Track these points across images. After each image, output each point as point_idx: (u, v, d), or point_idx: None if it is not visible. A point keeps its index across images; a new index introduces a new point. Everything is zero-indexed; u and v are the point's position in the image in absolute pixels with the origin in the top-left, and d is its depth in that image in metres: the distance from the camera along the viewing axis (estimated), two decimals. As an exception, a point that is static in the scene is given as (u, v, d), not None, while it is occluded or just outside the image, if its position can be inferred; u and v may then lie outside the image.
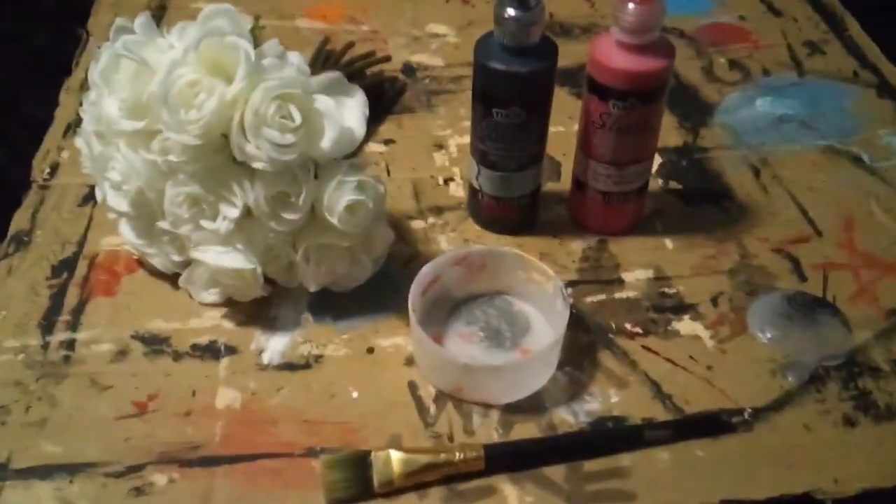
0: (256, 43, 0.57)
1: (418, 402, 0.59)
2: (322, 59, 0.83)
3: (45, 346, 0.61)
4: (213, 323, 0.63)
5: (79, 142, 0.63)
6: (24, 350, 0.61)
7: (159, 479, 0.54)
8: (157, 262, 0.64)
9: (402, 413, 0.58)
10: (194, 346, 0.62)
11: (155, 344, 0.62)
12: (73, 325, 0.62)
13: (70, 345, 0.61)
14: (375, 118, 0.76)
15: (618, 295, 0.66)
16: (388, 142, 0.79)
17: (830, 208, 0.73)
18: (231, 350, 0.61)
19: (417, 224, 0.71)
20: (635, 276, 0.67)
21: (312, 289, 0.62)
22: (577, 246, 0.70)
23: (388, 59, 0.86)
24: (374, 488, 0.53)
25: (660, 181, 0.75)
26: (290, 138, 0.55)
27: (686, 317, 0.64)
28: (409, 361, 0.61)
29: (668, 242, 0.70)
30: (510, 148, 0.65)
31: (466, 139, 0.69)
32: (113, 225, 0.66)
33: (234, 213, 0.57)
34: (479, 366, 0.59)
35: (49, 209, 0.71)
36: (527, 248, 0.68)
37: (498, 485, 0.54)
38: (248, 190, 0.57)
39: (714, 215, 0.73)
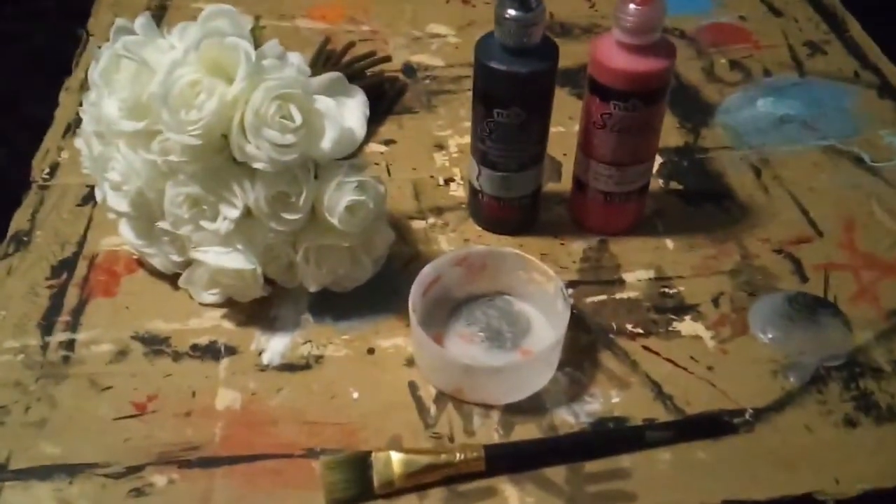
0: (257, 43, 0.57)
1: (419, 402, 0.58)
2: (322, 60, 0.83)
3: (45, 347, 0.61)
4: (212, 323, 0.63)
5: (78, 142, 0.63)
6: (23, 350, 0.61)
7: (159, 479, 0.54)
8: (156, 262, 0.64)
9: (402, 414, 0.58)
10: (194, 347, 0.61)
11: (155, 344, 0.62)
12: (73, 326, 0.62)
13: (69, 345, 0.61)
14: (376, 118, 0.76)
15: (619, 295, 0.66)
16: (388, 142, 0.79)
17: (831, 209, 0.73)
18: (231, 350, 0.61)
19: (418, 224, 0.71)
20: (636, 277, 0.67)
21: (313, 289, 0.62)
22: (577, 246, 0.70)
23: (388, 59, 0.86)
24: (374, 489, 0.53)
25: (661, 181, 0.75)
26: (290, 138, 0.55)
27: (687, 317, 0.64)
28: (410, 362, 0.61)
29: (669, 243, 0.70)
30: (511, 148, 0.65)
31: (467, 139, 0.69)
32: (113, 225, 0.66)
33: (235, 213, 0.57)
34: (480, 366, 0.59)
35: (49, 209, 0.71)
36: (527, 248, 0.68)
37: (498, 486, 0.54)
38: (249, 190, 0.57)
39: (715, 216, 0.73)
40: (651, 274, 0.68)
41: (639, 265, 0.68)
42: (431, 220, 0.72)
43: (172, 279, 0.64)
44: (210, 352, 0.61)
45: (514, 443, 0.56)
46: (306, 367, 0.61)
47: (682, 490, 0.54)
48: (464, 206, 0.72)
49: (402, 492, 0.53)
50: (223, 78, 0.55)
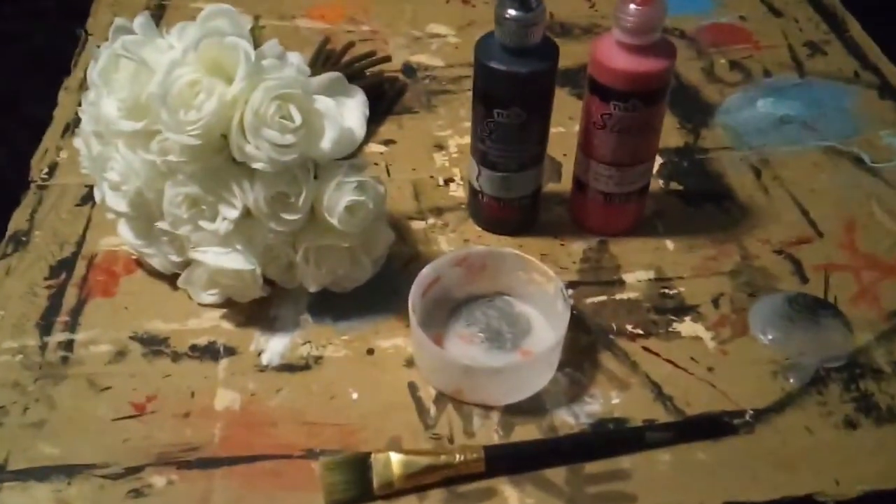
0: (256, 43, 0.56)
1: (418, 403, 0.58)
2: (322, 60, 0.83)
3: (44, 347, 0.61)
4: (212, 324, 0.63)
5: (77, 142, 0.63)
6: (22, 351, 0.61)
7: (158, 480, 0.54)
8: (155, 262, 0.64)
9: (402, 414, 0.58)
10: (193, 347, 0.61)
11: (154, 345, 0.61)
12: (72, 326, 0.62)
13: (68, 345, 0.61)
14: (375, 118, 0.76)
15: (619, 296, 0.66)
16: (388, 142, 0.79)
17: (831, 209, 0.73)
18: (230, 351, 0.61)
19: (417, 225, 0.71)
20: (636, 278, 0.67)
21: (312, 289, 0.62)
22: (577, 247, 0.70)
23: (388, 59, 0.86)
24: (373, 490, 0.53)
25: (661, 182, 0.75)
26: (289, 139, 0.55)
27: (687, 318, 0.64)
28: (410, 363, 0.61)
29: (669, 243, 0.70)
30: (511, 148, 0.65)
31: (467, 140, 0.69)
32: (112, 225, 0.66)
33: (234, 213, 0.57)
34: (480, 367, 0.58)
35: (47, 209, 0.71)
36: (527, 248, 0.67)
37: (498, 487, 0.54)
38: (248, 190, 0.57)
39: (715, 216, 0.73)
40: (651, 275, 0.68)
41: (639, 266, 0.68)
42: (431, 220, 0.72)
43: (171, 279, 0.64)
44: (209, 352, 0.61)
45: (514, 444, 0.56)
46: (306, 367, 0.60)
47: (683, 491, 0.54)
48: (464, 206, 0.72)
49: (402, 493, 0.53)
50: (222, 78, 0.55)
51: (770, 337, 0.63)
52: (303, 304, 0.64)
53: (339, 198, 0.58)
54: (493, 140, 0.64)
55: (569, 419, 0.58)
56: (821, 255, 0.69)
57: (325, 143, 0.57)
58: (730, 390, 0.60)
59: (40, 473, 0.54)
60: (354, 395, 0.59)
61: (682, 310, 0.65)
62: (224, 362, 0.60)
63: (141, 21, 0.58)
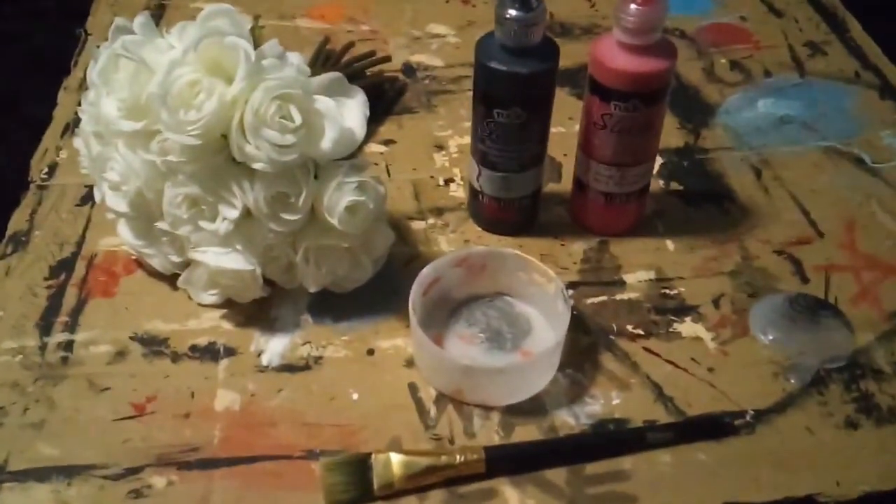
0: (256, 43, 0.56)
1: (418, 404, 0.58)
2: (322, 60, 0.83)
3: (43, 348, 0.61)
4: (212, 324, 0.63)
5: (77, 142, 0.63)
6: (21, 351, 0.60)
7: (157, 481, 0.54)
8: (155, 262, 0.64)
9: (402, 415, 0.58)
10: (193, 348, 0.61)
11: (153, 345, 0.61)
12: (72, 326, 0.62)
13: (68, 346, 0.61)
14: (375, 118, 0.76)
15: (619, 296, 0.66)
16: (388, 142, 0.79)
17: (832, 210, 0.73)
18: (230, 351, 0.61)
19: (418, 225, 0.71)
20: (636, 278, 0.67)
21: (312, 290, 0.62)
22: (578, 247, 0.69)
23: (388, 59, 0.86)
24: (374, 491, 0.53)
25: (661, 182, 0.75)
26: (289, 139, 0.55)
27: (687, 318, 0.64)
28: (410, 363, 0.61)
29: (670, 244, 0.70)
30: (511, 149, 0.65)
31: (467, 140, 0.69)
32: (111, 225, 0.66)
33: (234, 213, 0.57)
34: (480, 368, 0.58)
35: (47, 209, 0.71)
36: (527, 249, 0.67)
37: (499, 487, 0.54)
38: (248, 191, 0.57)
39: (715, 217, 0.73)
40: (651, 275, 0.67)
41: (639, 266, 0.68)
42: (431, 220, 0.71)
43: (171, 280, 0.64)
44: (209, 353, 0.61)
45: (514, 444, 0.56)
46: (306, 368, 0.60)
47: (683, 492, 0.54)
48: (464, 206, 0.72)
49: (402, 493, 0.53)
50: (223, 78, 0.55)
51: (771, 337, 0.63)
52: (303, 304, 0.64)
53: (340, 198, 0.58)
54: (494, 140, 0.64)
55: (569, 420, 0.58)
56: (821, 255, 0.69)
57: (326, 144, 0.57)
58: (730, 391, 0.59)
59: (40, 474, 0.54)
60: (355, 396, 0.59)
61: (683, 310, 0.65)
62: (224, 363, 0.60)
63: (141, 21, 0.58)
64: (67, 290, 0.65)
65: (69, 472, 0.54)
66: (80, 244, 0.68)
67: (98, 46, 0.59)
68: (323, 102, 0.58)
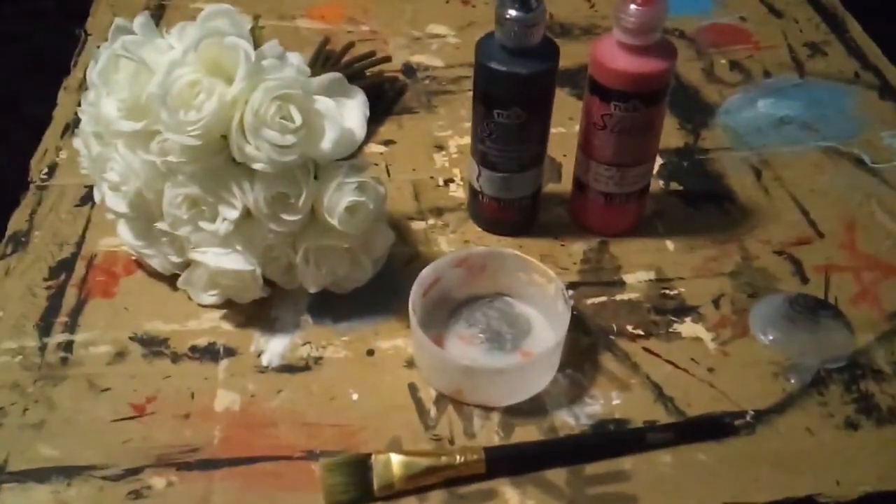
0: (256, 43, 0.56)
1: (419, 404, 0.58)
2: (322, 60, 0.83)
3: (43, 348, 0.61)
4: (211, 324, 0.63)
5: (77, 142, 0.63)
6: (21, 352, 0.60)
7: (157, 482, 0.54)
8: (155, 263, 0.64)
9: (402, 415, 0.58)
10: (193, 348, 0.61)
11: (153, 346, 0.61)
12: (71, 327, 0.62)
13: (68, 346, 0.61)
14: (375, 119, 0.76)
15: (619, 297, 0.66)
16: (388, 142, 0.79)
17: (832, 210, 0.73)
18: (230, 352, 0.61)
19: (418, 225, 0.71)
20: (636, 278, 0.67)
21: (312, 290, 0.62)
22: (578, 247, 0.69)
23: (388, 59, 0.86)
24: (374, 492, 0.53)
25: (661, 182, 0.75)
26: (290, 139, 0.55)
27: (687, 319, 0.64)
28: (410, 363, 0.61)
29: (670, 244, 0.70)
30: (511, 149, 0.65)
31: (467, 140, 0.69)
32: (111, 226, 0.66)
33: (234, 214, 0.57)
34: (480, 368, 0.58)
35: (47, 210, 0.71)
36: (527, 249, 0.67)
37: (499, 488, 0.54)
38: (248, 191, 0.57)
39: (715, 217, 0.73)
40: (651, 275, 0.67)
41: (639, 266, 0.68)
42: (431, 220, 0.71)
43: (171, 280, 0.64)
44: (209, 353, 0.61)
45: (514, 445, 0.56)
46: (306, 368, 0.60)
47: (683, 492, 0.54)
48: (464, 206, 0.72)
49: (402, 494, 0.53)
50: (223, 78, 0.55)
51: (771, 337, 0.63)
52: (303, 304, 0.64)
53: (340, 198, 0.58)
54: (493, 140, 0.64)
55: (569, 420, 0.58)
56: (821, 255, 0.69)
57: (326, 144, 0.57)
58: (730, 391, 0.59)
59: (40, 475, 0.54)
60: (355, 396, 0.59)
61: (683, 310, 0.65)
62: (224, 363, 0.60)
63: (141, 21, 0.58)
64: (67, 291, 0.65)
65: (69, 472, 0.54)
66: (79, 244, 0.68)
67: (98, 46, 0.59)
68: (323, 103, 0.58)
